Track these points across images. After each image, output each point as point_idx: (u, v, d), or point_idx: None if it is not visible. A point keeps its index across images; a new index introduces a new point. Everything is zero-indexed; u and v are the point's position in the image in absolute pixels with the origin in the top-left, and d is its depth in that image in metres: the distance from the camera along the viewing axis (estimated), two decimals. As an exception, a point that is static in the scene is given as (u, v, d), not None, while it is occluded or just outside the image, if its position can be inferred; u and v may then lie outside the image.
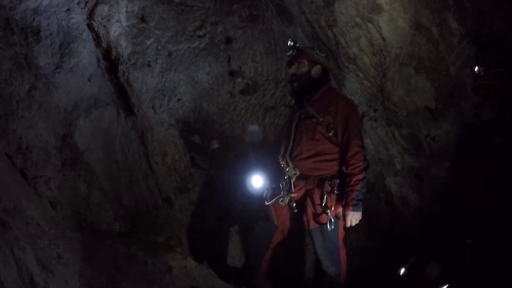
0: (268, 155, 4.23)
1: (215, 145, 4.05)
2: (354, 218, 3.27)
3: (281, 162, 3.55)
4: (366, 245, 4.22)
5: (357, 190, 3.23)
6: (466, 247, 2.53)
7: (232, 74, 4.24)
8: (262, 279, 3.52)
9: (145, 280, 2.62)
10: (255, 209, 3.69)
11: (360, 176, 3.24)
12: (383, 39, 3.51)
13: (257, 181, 3.60)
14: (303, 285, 4.06)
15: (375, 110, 3.95)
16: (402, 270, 2.89)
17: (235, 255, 4.07)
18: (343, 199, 3.31)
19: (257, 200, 3.64)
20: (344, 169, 3.34)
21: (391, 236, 4.08)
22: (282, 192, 3.38)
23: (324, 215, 3.26)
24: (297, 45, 3.52)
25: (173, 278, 2.78)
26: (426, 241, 3.27)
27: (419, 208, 3.88)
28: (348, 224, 3.30)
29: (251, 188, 3.64)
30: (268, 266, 3.50)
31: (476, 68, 2.63)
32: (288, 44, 3.51)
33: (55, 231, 2.44)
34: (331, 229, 3.23)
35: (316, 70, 3.45)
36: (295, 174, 3.38)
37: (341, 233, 3.36)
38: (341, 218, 3.34)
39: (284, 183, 3.39)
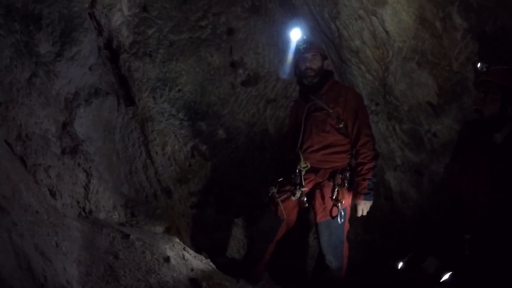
0: (269, 148, 4.24)
1: None
2: (365, 207, 3.33)
3: (289, 156, 3.54)
4: (364, 239, 4.23)
5: (368, 179, 3.28)
6: (465, 242, 2.53)
7: (233, 65, 4.23)
8: (261, 271, 3.53)
9: (143, 269, 2.62)
10: (255, 200, 3.69)
11: (371, 165, 3.30)
12: (386, 32, 3.49)
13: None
14: (302, 277, 4.06)
15: (377, 104, 3.94)
16: (400, 264, 2.90)
17: (233, 247, 4.08)
18: (352, 191, 3.34)
19: (258, 188, 3.65)
20: (354, 159, 3.38)
21: (389, 231, 4.08)
22: (291, 186, 3.39)
23: (334, 208, 3.27)
24: (305, 37, 3.56)
25: (171, 268, 2.78)
26: (425, 237, 3.27)
27: (418, 204, 3.88)
28: (360, 214, 3.34)
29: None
30: (269, 258, 3.51)
31: (479, 64, 2.63)
32: (301, 37, 3.54)
33: (53, 219, 2.43)
34: (342, 222, 3.26)
35: (326, 64, 3.57)
36: (306, 167, 3.39)
37: (346, 227, 3.38)
38: (349, 211, 3.35)
39: (294, 177, 3.39)
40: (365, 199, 3.29)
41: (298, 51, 3.53)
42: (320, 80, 3.46)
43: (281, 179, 3.47)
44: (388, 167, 4.08)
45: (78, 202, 3.13)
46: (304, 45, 3.49)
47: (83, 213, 3.15)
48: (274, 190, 3.44)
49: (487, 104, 2.52)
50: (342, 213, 3.26)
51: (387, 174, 4.13)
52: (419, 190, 3.85)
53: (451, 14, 3.07)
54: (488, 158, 2.50)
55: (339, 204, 3.26)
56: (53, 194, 2.86)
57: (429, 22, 3.21)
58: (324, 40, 4.15)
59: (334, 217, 3.27)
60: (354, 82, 4.04)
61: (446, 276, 2.56)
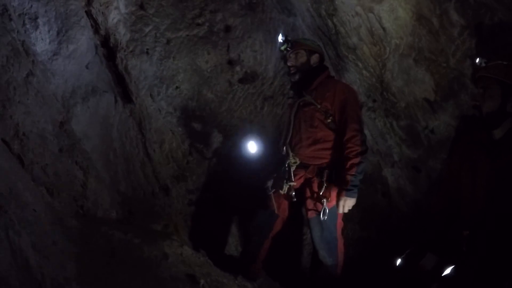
0: (266, 145, 4.24)
1: None
2: (346, 203, 3.24)
3: (281, 151, 3.55)
4: (362, 236, 4.24)
5: (351, 175, 3.20)
6: (463, 239, 2.53)
7: (231, 62, 4.23)
8: (258, 268, 3.54)
9: (140, 267, 2.62)
10: (252, 198, 3.70)
11: (356, 160, 3.22)
12: (383, 29, 3.49)
13: (252, 147, 3.71)
14: (299, 274, 4.07)
15: (374, 101, 3.94)
16: (398, 261, 2.90)
17: (231, 244, 4.09)
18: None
19: (255, 185, 3.65)
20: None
21: (387, 227, 4.09)
22: (281, 181, 3.39)
23: (318, 204, 3.27)
24: (289, 38, 3.56)
25: (169, 265, 2.78)
26: (422, 233, 3.28)
27: (416, 200, 3.89)
28: (341, 210, 3.26)
29: (247, 154, 3.76)
30: (265, 255, 3.51)
31: (478, 60, 2.61)
32: (280, 39, 3.54)
33: (51, 217, 2.43)
34: (324, 219, 3.23)
35: (314, 59, 3.52)
36: (295, 162, 3.39)
37: (339, 223, 3.37)
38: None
39: (284, 171, 3.40)
40: (346, 195, 3.21)
41: (281, 52, 3.57)
42: (308, 75, 3.45)
43: (276, 175, 3.49)
44: (385, 163, 4.08)
45: (75, 200, 3.13)
46: (284, 45, 3.51)
47: (80, 211, 3.14)
48: (269, 185, 3.46)
49: (485, 100, 2.50)
50: (327, 210, 3.23)
51: (384, 171, 4.14)
52: (416, 186, 3.86)
53: (448, 10, 3.06)
54: (487, 155, 2.49)
55: (324, 200, 3.24)
56: (50, 193, 2.85)
57: (426, 18, 3.21)
58: (321, 37, 4.15)
59: (318, 213, 3.26)
60: (351, 78, 4.04)
61: (447, 271, 2.55)
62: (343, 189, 3.22)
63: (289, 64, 3.50)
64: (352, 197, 3.24)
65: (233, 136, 4.20)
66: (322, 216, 3.21)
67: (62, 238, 2.39)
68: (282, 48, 3.51)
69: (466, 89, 3.19)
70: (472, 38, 3.04)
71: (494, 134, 2.50)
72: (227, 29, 4.22)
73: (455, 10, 3.03)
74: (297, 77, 3.46)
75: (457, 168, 2.67)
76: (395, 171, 4.04)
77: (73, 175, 3.15)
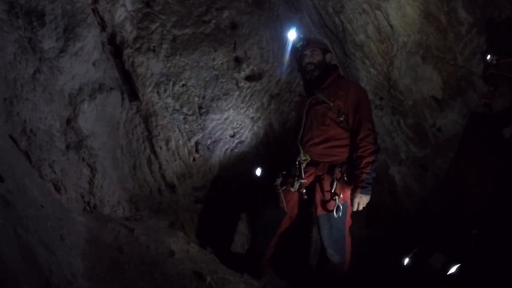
0: (273, 142, 4.24)
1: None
2: (362, 201, 3.28)
3: (291, 149, 3.56)
4: (368, 234, 4.23)
5: (366, 173, 3.25)
6: (471, 238, 2.52)
7: (237, 60, 4.22)
8: (265, 265, 3.54)
9: (147, 263, 2.63)
10: (259, 195, 3.69)
11: (370, 159, 3.27)
12: (391, 26, 3.48)
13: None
14: (306, 272, 4.07)
15: (381, 99, 3.93)
16: (406, 260, 2.88)
17: (237, 241, 4.09)
18: (352, 185, 3.32)
19: (262, 183, 3.65)
20: (354, 152, 3.37)
21: (393, 226, 4.08)
22: (292, 178, 3.40)
23: (332, 201, 3.27)
24: (301, 36, 3.59)
25: (176, 262, 2.78)
26: (429, 232, 3.27)
27: (423, 199, 3.87)
28: (355, 208, 3.30)
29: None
30: (272, 252, 3.52)
31: (489, 57, 2.58)
32: (297, 36, 3.57)
33: (58, 214, 2.44)
34: (338, 217, 3.24)
35: (329, 57, 3.56)
36: (306, 160, 3.40)
37: (348, 221, 3.37)
38: (349, 205, 3.34)
39: (294, 169, 3.40)
40: (361, 193, 3.25)
41: (296, 50, 3.57)
42: (322, 74, 3.47)
43: (285, 172, 3.49)
44: (392, 162, 4.07)
45: (82, 197, 3.14)
46: (301, 43, 3.52)
47: (87, 208, 3.16)
48: (278, 182, 3.46)
49: (496, 98, 2.49)
50: (340, 207, 3.25)
51: (391, 169, 4.12)
52: (423, 185, 3.85)
53: (456, 8, 3.05)
54: (496, 153, 2.47)
55: (337, 198, 3.25)
56: (57, 189, 2.87)
57: (433, 16, 3.20)
58: (328, 34, 4.14)
59: (331, 211, 3.26)
60: (359, 76, 4.03)
61: (453, 269, 2.54)
62: (358, 186, 3.25)
63: (306, 61, 3.50)
64: (367, 194, 3.28)
65: (240, 134, 4.19)
66: (336, 213, 3.23)
67: (70, 234, 2.40)
68: (298, 45, 3.52)
69: (474, 87, 3.18)
70: (480, 36, 3.03)
71: (504, 133, 2.49)
72: (234, 26, 4.21)
73: (463, 8, 3.02)
74: (316, 73, 3.48)
75: (465, 166, 2.66)
76: (402, 169, 4.02)
77: (80, 171, 3.17)
